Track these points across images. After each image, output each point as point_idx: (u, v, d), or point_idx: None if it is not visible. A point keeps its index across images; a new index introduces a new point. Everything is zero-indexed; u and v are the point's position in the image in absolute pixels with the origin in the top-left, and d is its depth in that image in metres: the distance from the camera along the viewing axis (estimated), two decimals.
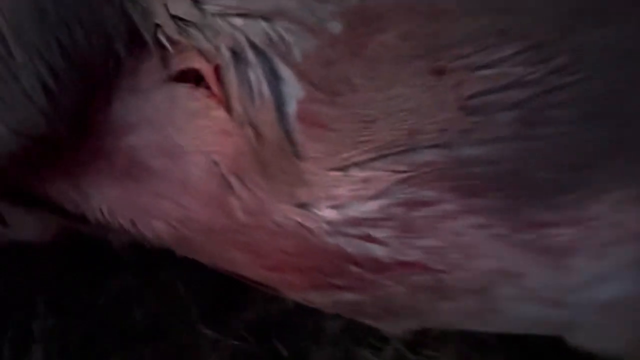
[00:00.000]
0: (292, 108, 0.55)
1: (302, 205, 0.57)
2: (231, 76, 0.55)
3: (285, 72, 0.54)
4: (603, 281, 0.56)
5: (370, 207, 0.55)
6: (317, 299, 0.64)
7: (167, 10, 0.56)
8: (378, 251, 0.58)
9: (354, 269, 0.59)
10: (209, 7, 0.55)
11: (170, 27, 0.56)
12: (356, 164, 0.54)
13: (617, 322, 0.58)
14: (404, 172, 0.53)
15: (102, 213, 0.66)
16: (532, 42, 0.51)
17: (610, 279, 0.55)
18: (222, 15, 0.54)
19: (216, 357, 0.85)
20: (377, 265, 0.59)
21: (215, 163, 0.58)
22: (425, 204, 0.54)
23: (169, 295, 0.90)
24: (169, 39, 0.56)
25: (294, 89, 0.54)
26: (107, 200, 0.65)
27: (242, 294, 0.88)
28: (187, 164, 0.59)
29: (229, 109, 0.56)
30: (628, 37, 0.52)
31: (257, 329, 0.87)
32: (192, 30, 0.55)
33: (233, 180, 0.58)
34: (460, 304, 0.62)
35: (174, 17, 0.56)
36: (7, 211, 0.79)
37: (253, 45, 0.54)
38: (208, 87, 0.57)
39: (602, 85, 0.52)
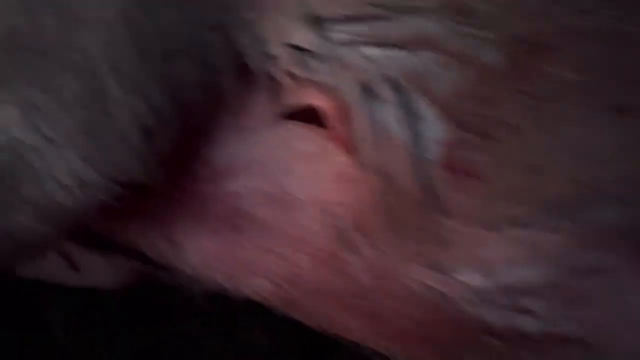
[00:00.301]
0: (433, 153, 0.47)
1: (439, 268, 0.48)
2: (359, 115, 0.47)
3: (426, 110, 0.46)
4: None
5: (526, 273, 0.46)
6: None
7: (284, 38, 0.48)
8: (528, 323, 0.49)
9: (494, 342, 0.50)
10: (335, 35, 0.47)
11: (286, 58, 0.48)
12: (513, 222, 0.46)
13: None
14: (575, 232, 0.44)
15: (194, 265, 0.60)
16: None
17: None
18: (351, 44, 0.47)
19: None
20: (524, 339, 0.50)
21: (334, 215, 0.50)
22: (596, 271, 0.45)
23: (249, 347, 0.83)
24: (284, 71, 0.49)
25: (437, 131, 0.46)
26: (201, 252, 0.57)
27: (330, 346, 0.80)
28: (300, 215, 0.52)
29: (353, 153, 0.49)
30: None
31: None
32: (313, 62, 0.48)
33: (354, 235, 0.50)
34: None
35: (292, 47, 0.48)
36: (79, 254, 0.73)
37: (388, 79, 0.46)
38: (328, 128, 0.50)
39: None
